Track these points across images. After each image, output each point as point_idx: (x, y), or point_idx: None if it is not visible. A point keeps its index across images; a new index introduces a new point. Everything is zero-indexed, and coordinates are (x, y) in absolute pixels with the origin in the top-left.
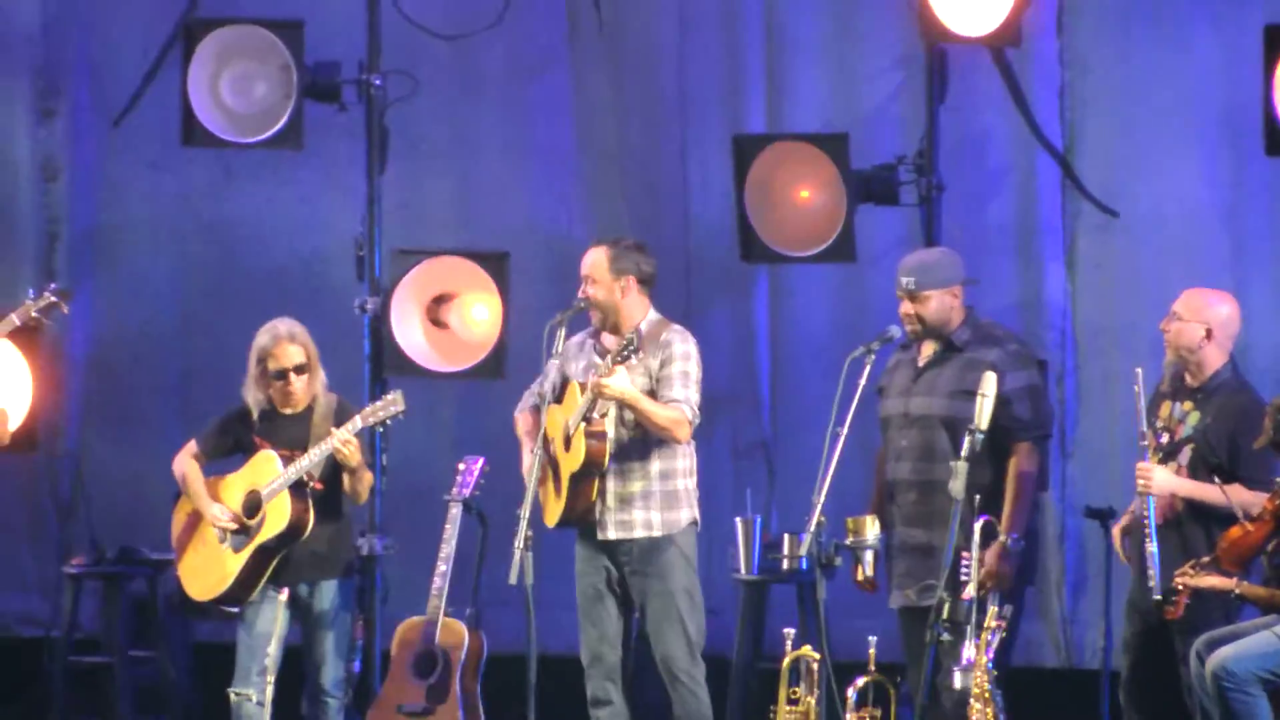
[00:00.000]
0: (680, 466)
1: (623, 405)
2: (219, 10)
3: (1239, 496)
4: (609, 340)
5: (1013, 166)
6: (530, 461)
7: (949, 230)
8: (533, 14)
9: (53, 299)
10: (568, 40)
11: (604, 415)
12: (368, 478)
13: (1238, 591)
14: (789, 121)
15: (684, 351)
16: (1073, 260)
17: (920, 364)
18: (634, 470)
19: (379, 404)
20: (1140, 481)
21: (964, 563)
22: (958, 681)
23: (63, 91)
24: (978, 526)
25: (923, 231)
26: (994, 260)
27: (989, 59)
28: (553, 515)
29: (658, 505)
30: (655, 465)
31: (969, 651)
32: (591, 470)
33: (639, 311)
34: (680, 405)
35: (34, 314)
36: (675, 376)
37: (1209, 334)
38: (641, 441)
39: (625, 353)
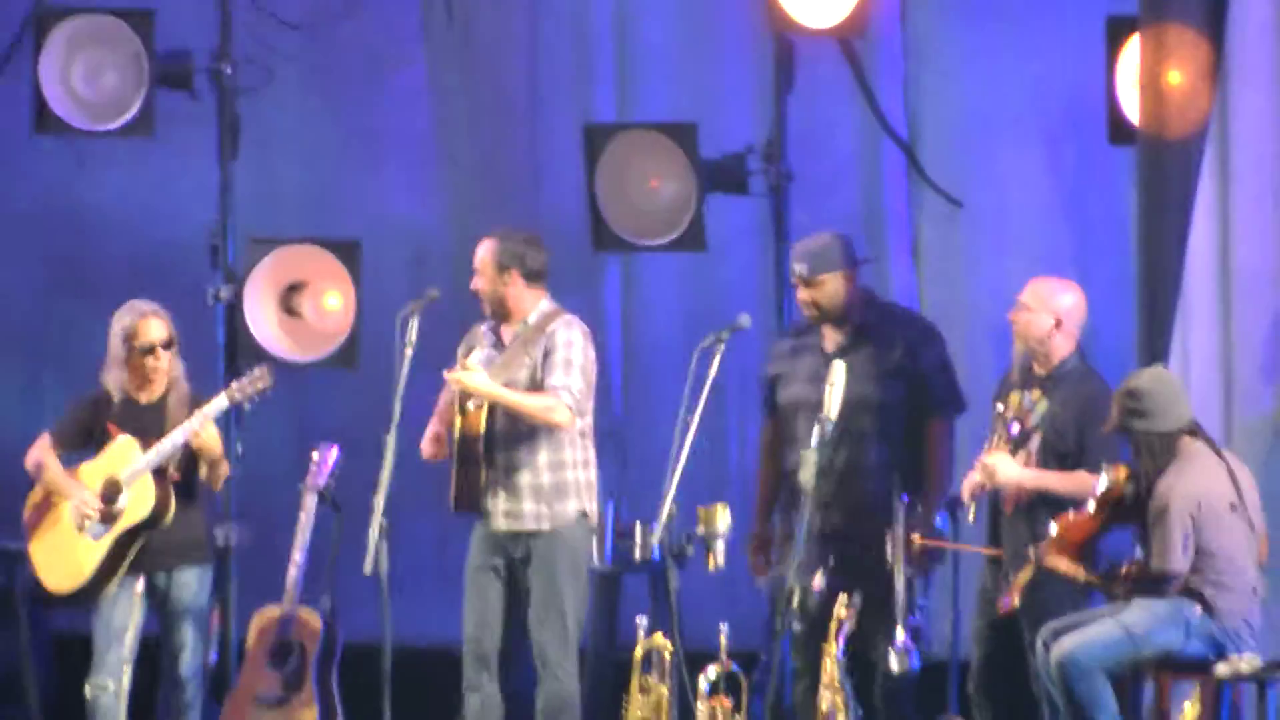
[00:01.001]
0: (569, 458)
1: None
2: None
3: (1084, 483)
4: (505, 332)
5: (860, 156)
6: (390, 446)
7: (798, 220)
8: (385, 5)
9: None
10: (421, 31)
11: (479, 406)
12: (224, 466)
13: (1084, 579)
14: (639, 111)
15: (566, 339)
16: (918, 250)
17: (830, 349)
18: (521, 461)
19: (246, 379)
20: (982, 474)
21: (888, 545)
22: (895, 664)
23: None
24: (900, 508)
25: (772, 221)
26: None
27: (836, 49)
28: (451, 497)
29: (546, 498)
30: (542, 456)
31: (900, 635)
32: (467, 456)
33: (528, 303)
34: (557, 390)
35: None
36: (557, 364)
37: (1057, 323)
38: (529, 432)
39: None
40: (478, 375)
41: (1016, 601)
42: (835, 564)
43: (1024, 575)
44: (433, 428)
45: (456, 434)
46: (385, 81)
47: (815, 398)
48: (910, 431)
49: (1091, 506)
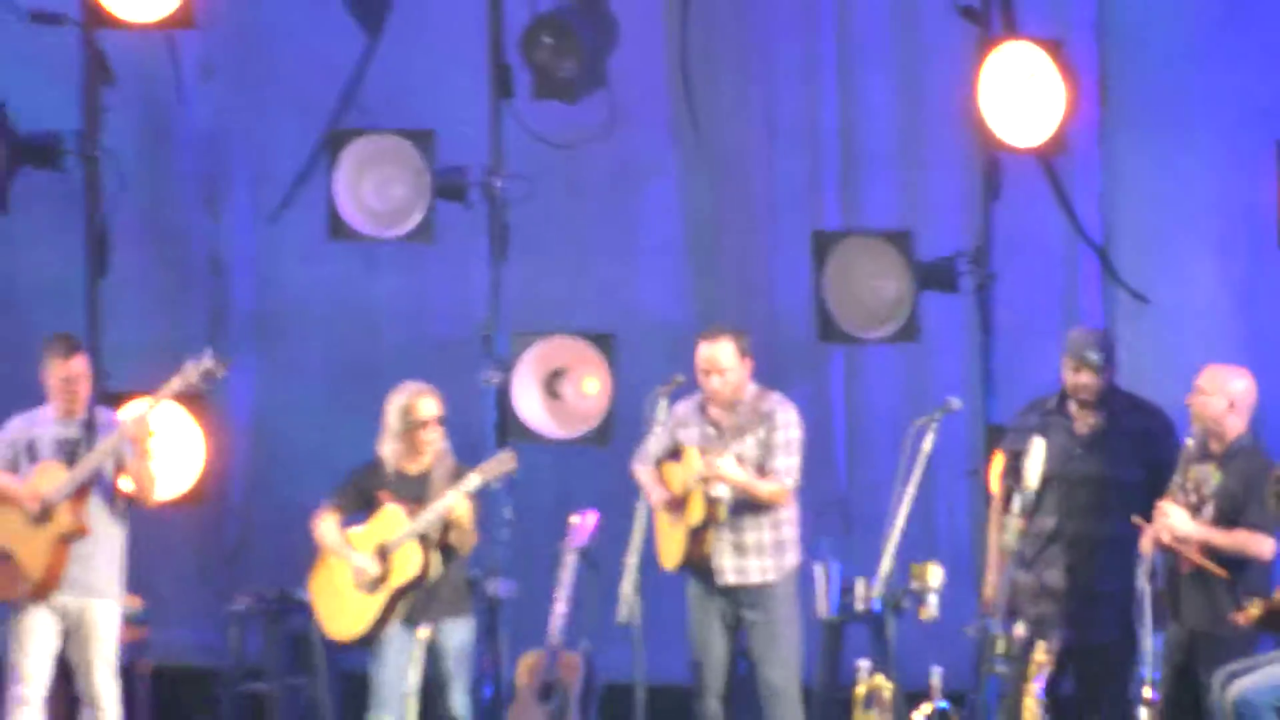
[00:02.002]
0: (785, 516)
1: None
2: (362, 122)
3: (1244, 541)
4: (715, 412)
5: (1059, 259)
6: (640, 514)
7: (1001, 316)
8: (637, 125)
9: (210, 365)
10: (671, 144)
11: (717, 494)
12: (474, 536)
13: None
14: (861, 219)
15: (785, 420)
16: None
17: (1083, 431)
18: (747, 522)
19: (492, 461)
20: (1158, 521)
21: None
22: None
23: (226, 194)
24: (1145, 574)
25: (978, 316)
26: (1041, 343)
27: (1038, 165)
28: (672, 559)
29: (770, 553)
30: (766, 516)
31: (1147, 693)
32: (707, 525)
33: (746, 386)
34: (781, 476)
35: (194, 379)
36: (779, 446)
37: (1230, 405)
38: (754, 498)
39: (739, 432)
40: (729, 463)
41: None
42: (1061, 618)
43: (1254, 610)
44: (663, 494)
45: (690, 511)
46: (639, 190)
47: (1062, 471)
48: (1146, 509)
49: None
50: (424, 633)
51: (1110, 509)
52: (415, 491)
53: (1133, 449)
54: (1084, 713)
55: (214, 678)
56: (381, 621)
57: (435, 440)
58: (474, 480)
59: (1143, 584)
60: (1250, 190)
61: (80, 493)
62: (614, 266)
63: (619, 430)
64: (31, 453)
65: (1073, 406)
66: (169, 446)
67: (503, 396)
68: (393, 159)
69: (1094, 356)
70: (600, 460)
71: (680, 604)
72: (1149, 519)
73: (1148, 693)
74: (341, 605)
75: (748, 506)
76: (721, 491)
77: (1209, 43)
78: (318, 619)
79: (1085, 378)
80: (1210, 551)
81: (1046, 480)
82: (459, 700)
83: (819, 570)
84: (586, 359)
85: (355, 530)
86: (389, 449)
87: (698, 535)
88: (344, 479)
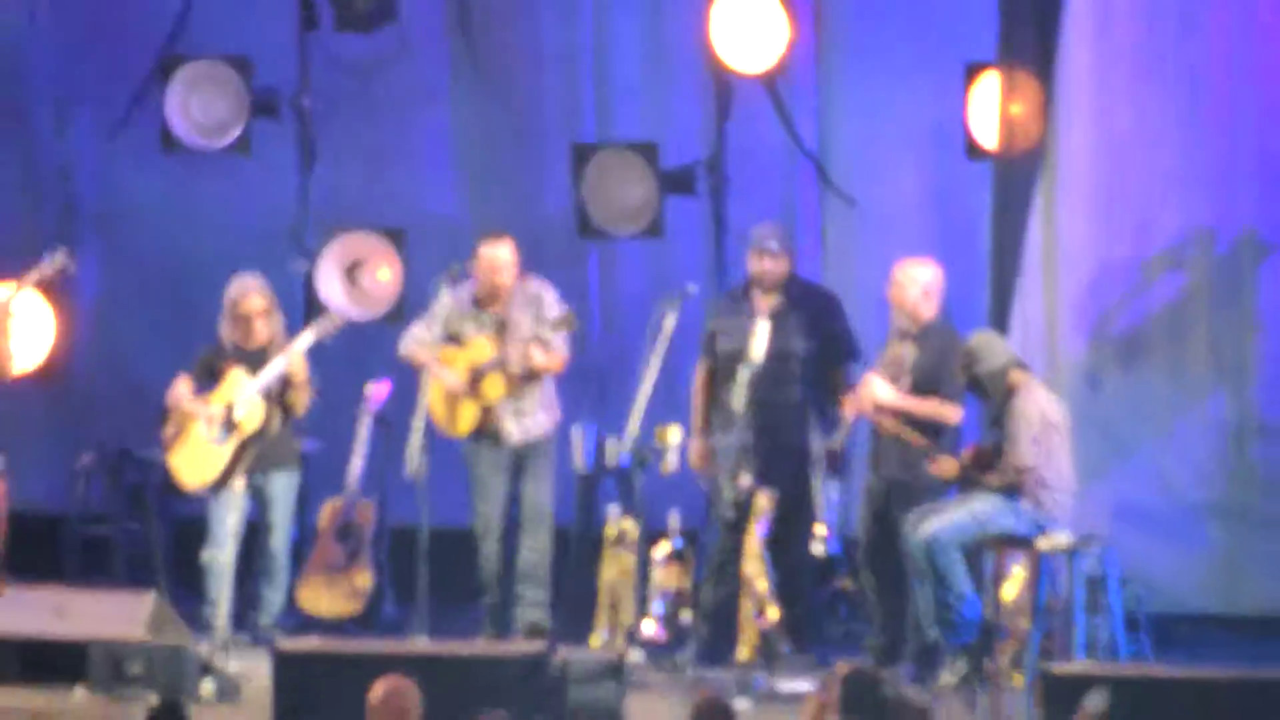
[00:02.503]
0: (549, 382)
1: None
2: (189, 50)
3: (936, 408)
4: (486, 301)
5: (781, 168)
6: (425, 385)
7: (733, 216)
8: (422, 53)
9: (61, 260)
10: (450, 72)
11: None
12: (308, 392)
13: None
14: (614, 133)
15: (552, 299)
16: (825, 239)
17: (764, 312)
18: (525, 391)
19: (322, 320)
20: (861, 389)
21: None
22: (817, 549)
23: (73, 115)
24: (819, 431)
25: (713, 217)
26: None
27: (763, 86)
28: (464, 427)
29: (541, 412)
30: (538, 384)
31: (822, 529)
32: (494, 402)
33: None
34: (559, 349)
35: (48, 272)
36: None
37: (923, 292)
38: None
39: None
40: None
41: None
42: (761, 470)
43: (947, 466)
44: (456, 379)
45: (486, 392)
46: (425, 109)
47: (745, 348)
48: (821, 375)
49: (963, 459)
50: (240, 484)
51: (791, 378)
52: (254, 362)
53: (808, 325)
54: (775, 551)
55: (61, 523)
56: (229, 470)
57: (262, 329)
58: (308, 337)
59: (835, 444)
60: (943, 107)
61: None
62: (404, 174)
63: (409, 312)
64: None
65: (757, 292)
66: (26, 328)
67: (309, 283)
68: (215, 82)
69: (773, 245)
70: (392, 337)
71: (455, 459)
72: (824, 384)
73: (822, 530)
74: (194, 458)
75: (527, 379)
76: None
77: None
78: (172, 473)
79: (767, 264)
80: (906, 418)
81: (732, 356)
82: (279, 540)
83: (576, 431)
84: (381, 251)
85: (208, 395)
86: (226, 331)
87: (488, 411)
88: (194, 358)
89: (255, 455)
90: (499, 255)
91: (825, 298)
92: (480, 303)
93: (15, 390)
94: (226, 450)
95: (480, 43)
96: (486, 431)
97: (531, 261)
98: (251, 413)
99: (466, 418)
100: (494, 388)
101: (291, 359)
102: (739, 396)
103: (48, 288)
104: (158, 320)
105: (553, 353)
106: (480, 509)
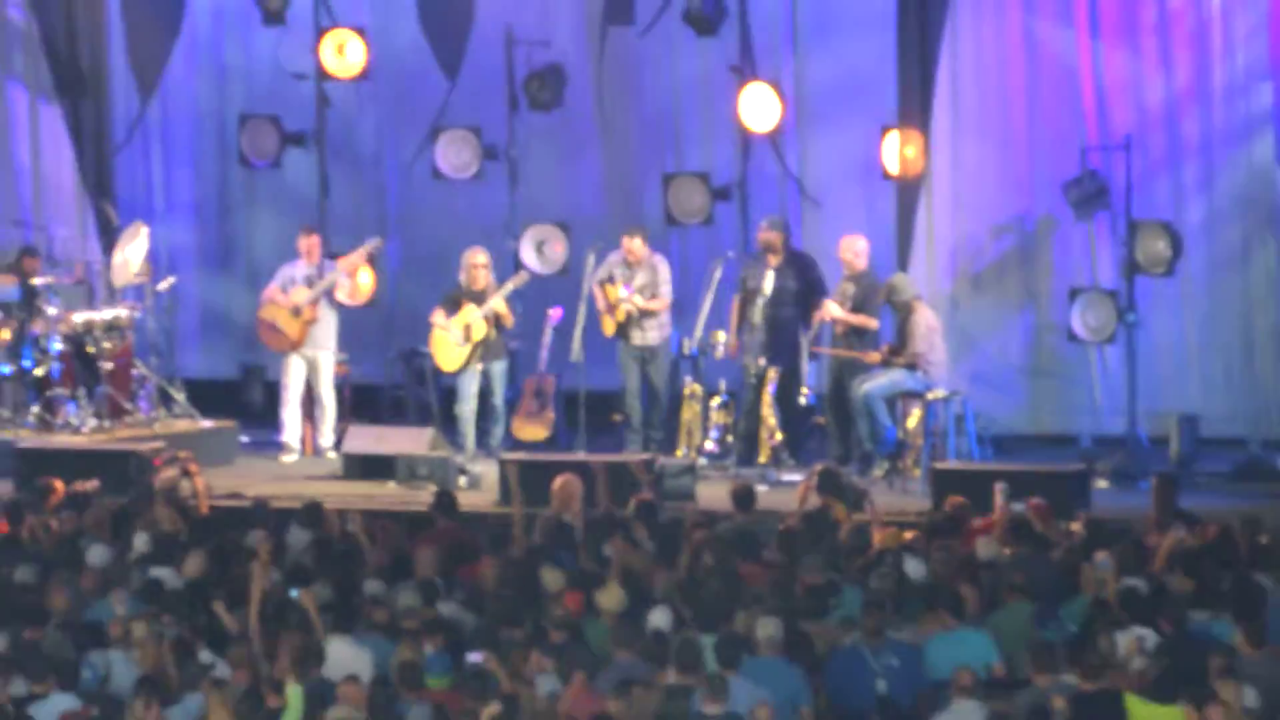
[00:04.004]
0: (661, 313)
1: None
2: (446, 122)
3: (866, 321)
4: (631, 262)
5: (777, 186)
6: (582, 308)
7: (753, 214)
8: (580, 119)
9: (378, 243)
10: (600, 132)
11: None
12: (509, 319)
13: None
14: (684, 165)
15: (665, 268)
16: (803, 225)
17: (773, 265)
18: (645, 319)
19: (518, 275)
20: (823, 309)
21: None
22: (802, 400)
23: (385, 153)
24: (805, 333)
25: (740, 213)
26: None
27: (769, 139)
28: (609, 331)
29: (654, 330)
30: (653, 316)
31: (805, 390)
32: (629, 318)
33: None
34: (665, 296)
35: (372, 248)
36: (662, 282)
37: (855, 255)
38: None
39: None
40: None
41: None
42: (769, 355)
43: (873, 356)
44: (604, 302)
45: (619, 312)
46: (581, 154)
47: (760, 286)
48: (803, 301)
49: (883, 351)
50: (476, 367)
51: (786, 303)
52: (478, 298)
53: (796, 273)
54: (779, 401)
55: (379, 389)
56: (468, 360)
57: (482, 277)
58: (509, 285)
59: (810, 339)
60: (869, 150)
61: None
62: (570, 191)
63: (573, 271)
64: None
65: (767, 254)
66: (363, 280)
67: (515, 254)
68: (462, 141)
69: (765, 225)
70: (561, 285)
71: (601, 349)
72: (805, 307)
73: (805, 389)
74: (448, 354)
75: (643, 313)
76: (631, 308)
77: None
78: (437, 362)
79: (763, 235)
80: (849, 330)
81: (753, 292)
82: (500, 398)
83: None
84: (556, 236)
85: (451, 319)
86: (462, 279)
87: (622, 326)
88: (444, 295)
89: (482, 352)
90: (635, 244)
91: (806, 258)
92: (628, 264)
93: (356, 313)
94: (465, 350)
95: (613, 111)
96: (624, 336)
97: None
98: (478, 328)
99: (609, 326)
100: (621, 312)
101: (500, 297)
102: (757, 313)
103: (372, 258)
104: (428, 276)
105: (658, 297)
106: (621, 384)
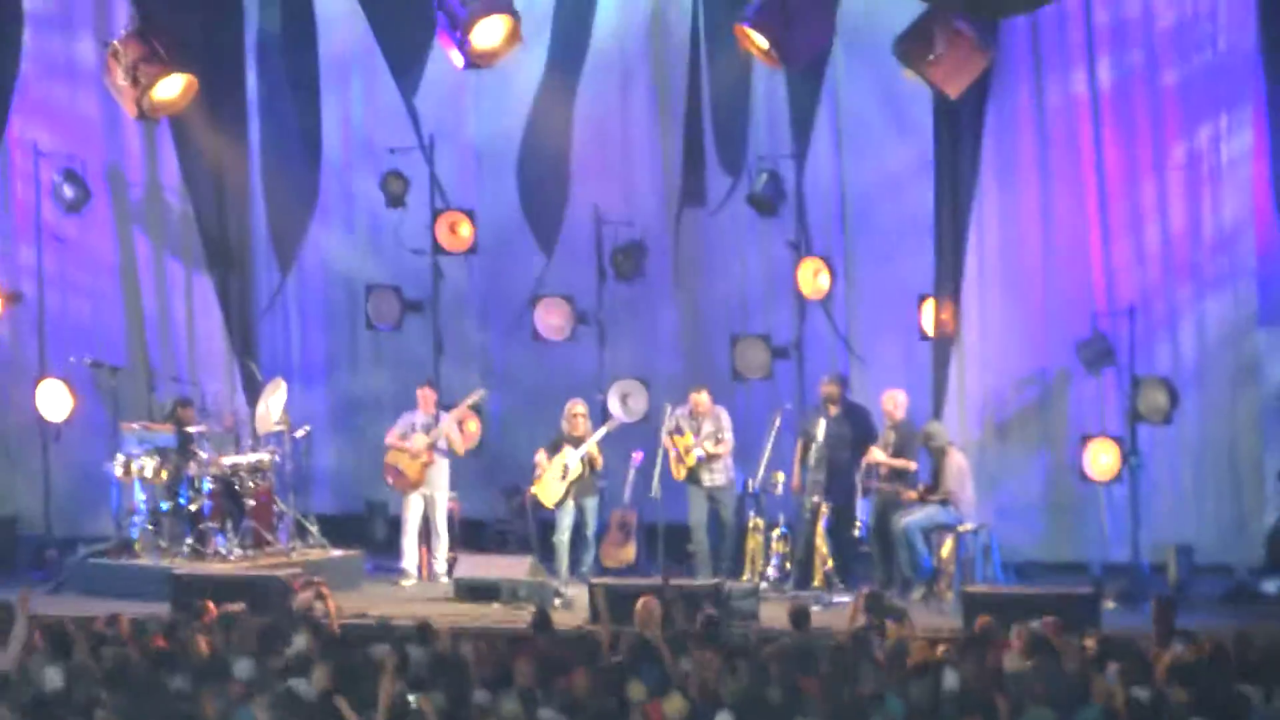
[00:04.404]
0: (726, 456)
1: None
2: (542, 291)
3: (907, 464)
4: (696, 414)
5: (829, 352)
6: (659, 457)
7: (809, 375)
8: (660, 291)
9: (480, 396)
10: (675, 306)
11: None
12: (599, 462)
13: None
14: (749, 329)
15: (727, 418)
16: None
17: (832, 414)
18: (711, 461)
19: (610, 422)
20: (868, 455)
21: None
22: (857, 532)
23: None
24: (859, 477)
25: (798, 372)
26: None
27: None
28: (682, 476)
29: (720, 473)
30: (719, 459)
31: (858, 525)
32: (698, 466)
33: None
34: (727, 442)
35: (475, 400)
36: (724, 428)
37: (895, 406)
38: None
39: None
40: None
41: (915, 496)
42: (825, 492)
43: (912, 494)
44: (674, 452)
45: (688, 459)
46: (658, 315)
47: (815, 434)
48: (856, 447)
49: (920, 490)
50: (570, 503)
51: (841, 446)
52: (576, 442)
53: (850, 423)
54: (832, 533)
55: (484, 524)
56: (564, 496)
57: (580, 425)
58: (601, 431)
59: (858, 480)
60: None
61: None
62: (650, 353)
63: (653, 419)
64: None
65: (826, 404)
66: (468, 429)
67: (604, 405)
68: (558, 309)
69: (826, 380)
70: (641, 430)
71: (676, 491)
72: (857, 451)
73: (857, 523)
74: (547, 489)
75: (710, 457)
76: (700, 453)
77: None
78: (537, 497)
79: (823, 389)
80: (891, 471)
81: (812, 436)
82: (591, 530)
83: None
84: (638, 389)
85: (552, 458)
86: (563, 425)
87: (692, 470)
88: (550, 440)
89: (577, 489)
90: (701, 397)
91: (861, 410)
92: (693, 415)
93: (465, 457)
94: (563, 486)
95: (687, 281)
96: (694, 479)
97: (713, 394)
98: (575, 468)
99: (682, 471)
100: (691, 456)
101: (594, 441)
102: (813, 456)
103: (476, 408)
104: (526, 425)
105: (722, 442)
106: (692, 519)
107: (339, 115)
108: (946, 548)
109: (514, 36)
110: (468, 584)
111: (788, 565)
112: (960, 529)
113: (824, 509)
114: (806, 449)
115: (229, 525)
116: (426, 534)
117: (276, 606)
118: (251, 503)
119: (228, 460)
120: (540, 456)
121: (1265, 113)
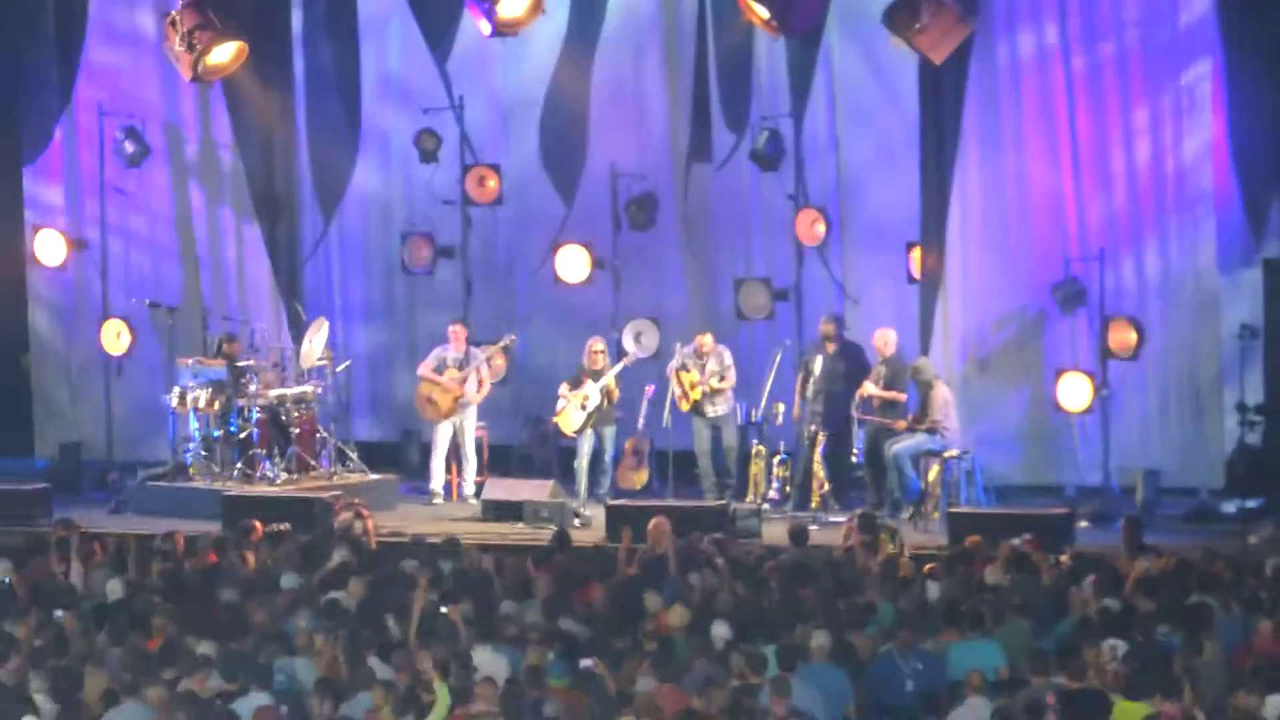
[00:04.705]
0: (727, 390)
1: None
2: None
3: (898, 396)
4: (700, 354)
5: (825, 297)
6: (668, 390)
7: (808, 316)
8: (670, 246)
9: (510, 340)
10: (681, 253)
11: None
12: (616, 394)
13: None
14: (753, 271)
15: (728, 355)
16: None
17: (830, 351)
18: (715, 395)
19: (626, 357)
20: (861, 389)
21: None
22: (854, 458)
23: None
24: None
25: (795, 309)
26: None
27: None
28: (687, 408)
29: (721, 405)
30: (720, 393)
31: (855, 450)
32: (702, 399)
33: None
34: (730, 378)
35: (506, 343)
36: (727, 367)
37: (886, 343)
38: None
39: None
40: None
41: (904, 425)
42: (821, 422)
43: (901, 423)
44: (678, 388)
45: (692, 394)
46: (667, 270)
47: (814, 368)
48: (850, 380)
49: (909, 419)
50: (589, 431)
51: (836, 380)
52: (595, 376)
53: (845, 359)
54: (829, 459)
55: (509, 448)
56: (584, 425)
57: (599, 360)
58: (617, 368)
59: (854, 409)
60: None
61: None
62: (660, 297)
63: (664, 355)
64: None
65: (824, 341)
66: (496, 370)
67: (619, 342)
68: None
69: (824, 319)
70: (649, 365)
71: (683, 419)
72: (852, 383)
73: (853, 449)
74: (568, 419)
75: (715, 392)
76: (705, 389)
77: None
78: (556, 425)
79: (820, 328)
80: (883, 402)
81: (810, 370)
82: (608, 456)
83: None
84: (648, 326)
85: (574, 391)
86: (584, 360)
87: (697, 403)
88: (571, 374)
89: (595, 419)
90: (705, 339)
91: (855, 347)
92: (699, 354)
93: (494, 396)
94: (582, 416)
95: (694, 230)
96: (698, 411)
97: (718, 332)
98: (594, 399)
99: (686, 405)
100: (696, 391)
101: (611, 375)
102: (813, 389)
103: (507, 350)
104: (548, 360)
105: (725, 379)
106: (697, 447)
107: (376, 76)
108: (933, 472)
109: (537, 7)
110: (494, 505)
111: (788, 488)
112: (946, 455)
113: (821, 437)
114: (805, 382)
115: (275, 451)
116: (456, 459)
117: (319, 525)
118: (296, 431)
119: (274, 392)
120: (563, 389)
121: (1223, 75)
